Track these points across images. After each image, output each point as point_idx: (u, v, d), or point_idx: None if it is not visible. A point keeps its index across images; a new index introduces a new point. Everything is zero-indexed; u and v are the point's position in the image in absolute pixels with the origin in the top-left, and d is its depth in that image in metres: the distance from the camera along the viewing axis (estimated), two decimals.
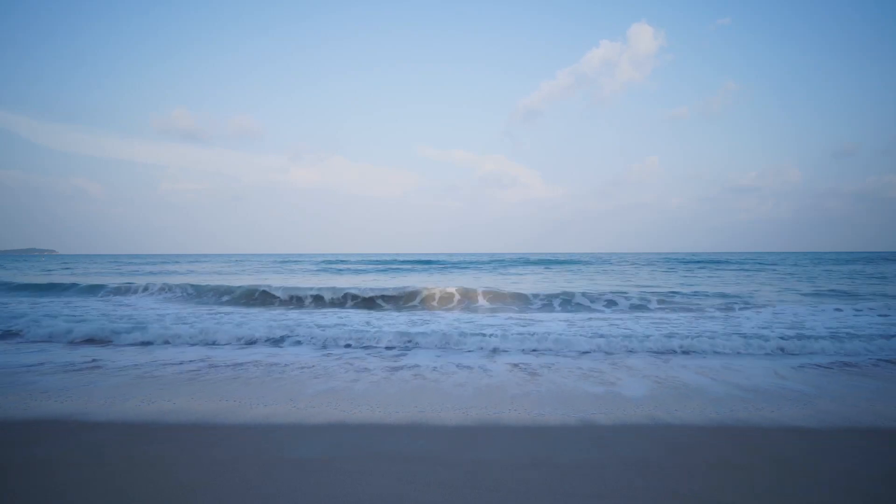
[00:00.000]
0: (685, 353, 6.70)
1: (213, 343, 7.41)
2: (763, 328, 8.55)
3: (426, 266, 37.15)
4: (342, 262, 46.28)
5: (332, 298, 13.61)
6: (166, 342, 7.43)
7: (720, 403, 4.43)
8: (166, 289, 16.28)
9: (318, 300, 13.58)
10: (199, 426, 3.82)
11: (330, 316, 10.56)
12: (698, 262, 41.72)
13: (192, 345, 7.30)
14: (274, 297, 14.04)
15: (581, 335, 7.51)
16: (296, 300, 13.73)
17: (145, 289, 16.53)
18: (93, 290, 16.93)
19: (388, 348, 7.11)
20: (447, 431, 3.71)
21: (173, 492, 2.68)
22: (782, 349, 6.81)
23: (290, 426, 3.82)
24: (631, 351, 6.78)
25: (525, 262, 43.57)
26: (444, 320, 10.00)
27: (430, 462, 3.10)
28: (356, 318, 10.31)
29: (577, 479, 2.84)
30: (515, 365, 6.02)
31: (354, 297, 13.76)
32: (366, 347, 7.18)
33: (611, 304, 12.78)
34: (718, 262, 41.55)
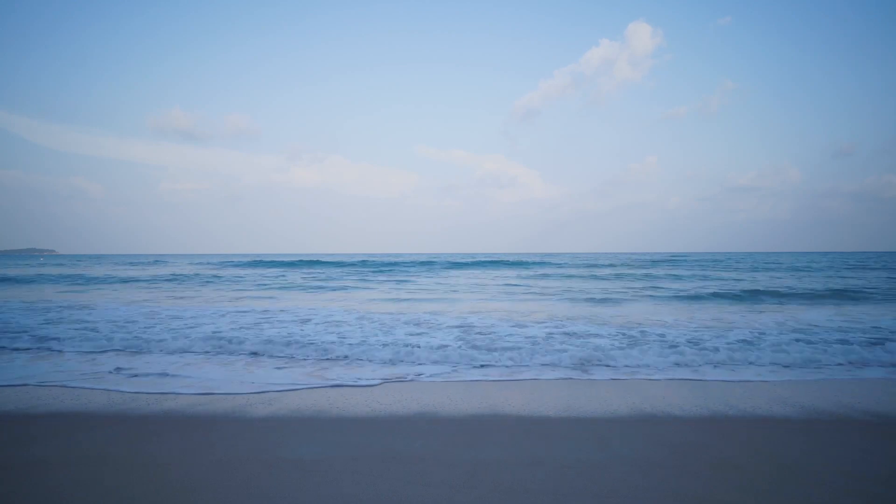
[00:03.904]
0: None
1: None
2: None
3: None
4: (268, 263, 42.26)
5: None
6: None
7: None
8: None
9: None
10: (200, 426, 3.82)
11: None
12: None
13: None
14: None
15: None
16: None
17: None
18: None
19: None
20: (447, 430, 3.71)
21: (173, 492, 2.68)
22: None
23: (291, 426, 3.83)
24: None
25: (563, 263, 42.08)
26: None
27: (430, 462, 3.10)
28: None
29: (577, 479, 2.84)
30: None
31: None
32: None
33: None
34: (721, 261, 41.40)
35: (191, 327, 8.70)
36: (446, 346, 6.97)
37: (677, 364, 5.97)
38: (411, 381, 5.30)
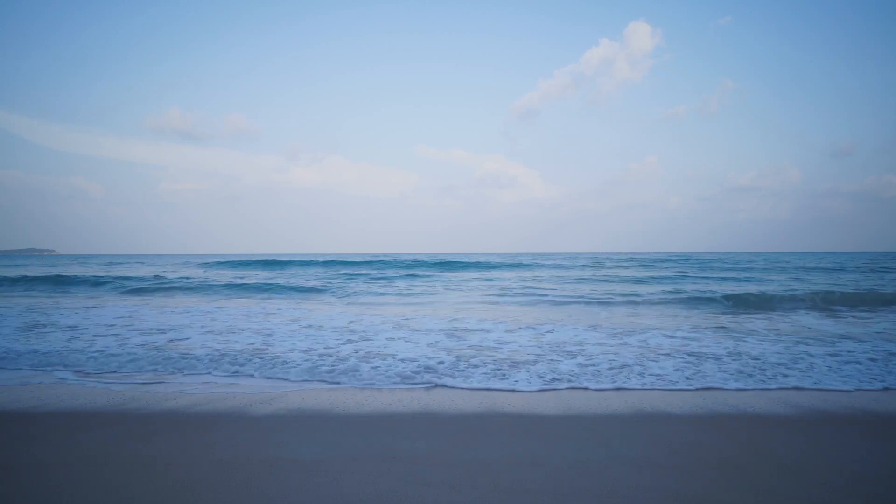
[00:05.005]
0: None
1: None
2: None
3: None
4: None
5: None
6: None
7: None
8: None
9: None
10: (200, 426, 3.82)
11: None
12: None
13: None
14: None
15: None
16: None
17: None
18: None
19: None
20: (447, 431, 3.71)
21: (173, 492, 2.68)
22: None
23: (291, 426, 3.82)
24: None
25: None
26: None
27: (430, 462, 3.10)
28: None
29: (577, 479, 2.84)
30: None
31: None
32: None
33: None
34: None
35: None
36: (426, 365, 5.89)
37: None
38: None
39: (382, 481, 2.81)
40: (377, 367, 5.83)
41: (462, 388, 4.92)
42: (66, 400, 4.50)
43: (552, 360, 6.16)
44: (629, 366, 5.86)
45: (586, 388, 4.93)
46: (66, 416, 4.04)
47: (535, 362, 6.03)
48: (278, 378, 5.36)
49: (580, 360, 6.16)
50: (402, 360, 6.15)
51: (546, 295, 15.57)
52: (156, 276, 23.75)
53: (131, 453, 3.24)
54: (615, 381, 5.16)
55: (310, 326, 9.00)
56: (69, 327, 8.82)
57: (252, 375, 5.48)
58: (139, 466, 3.03)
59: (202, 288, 18.41)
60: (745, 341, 7.52)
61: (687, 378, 5.33)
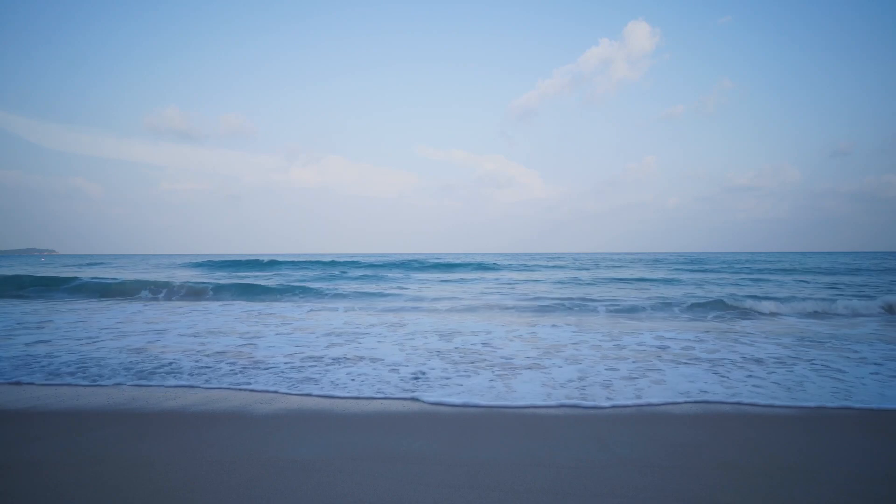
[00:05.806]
0: None
1: None
2: None
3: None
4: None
5: None
6: None
7: None
8: None
9: None
10: (200, 426, 3.82)
11: None
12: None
13: None
14: None
15: None
16: None
17: None
18: None
19: None
20: (447, 430, 3.71)
21: (173, 492, 2.68)
22: None
23: (291, 426, 3.82)
24: None
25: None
26: None
27: (430, 462, 3.10)
28: None
29: (577, 479, 2.84)
30: None
31: None
32: None
33: None
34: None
35: None
36: (417, 371, 5.50)
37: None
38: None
39: (382, 481, 2.81)
40: (363, 373, 5.51)
41: (451, 405, 4.57)
42: (66, 400, 4.50)
43: (551, 364, 5.97)
44: (632, 374, 5.44)
45: (592, 408, 4.29)
46: (66, 416, 4.04)
47: (535, 367, 5.79)
48: (251, 386, 5.00)
49: (581, 366, 5.85)
50: (391, 366, 5.88)
51: (544, 296, 15.50)
52: (142, 277, 23.41)
53: (131, 453, 3.24)
54: (623, 396, 4.59)
55: (300, 329, 8.85)
56: (38, 328, 8.79)
57: (224, 386, 5.01)
58: (139, 466, 3.02)
59: (192, 287, 17.99)
60: (752, 345, 7.52)
61: (702, 392, 4.76)
